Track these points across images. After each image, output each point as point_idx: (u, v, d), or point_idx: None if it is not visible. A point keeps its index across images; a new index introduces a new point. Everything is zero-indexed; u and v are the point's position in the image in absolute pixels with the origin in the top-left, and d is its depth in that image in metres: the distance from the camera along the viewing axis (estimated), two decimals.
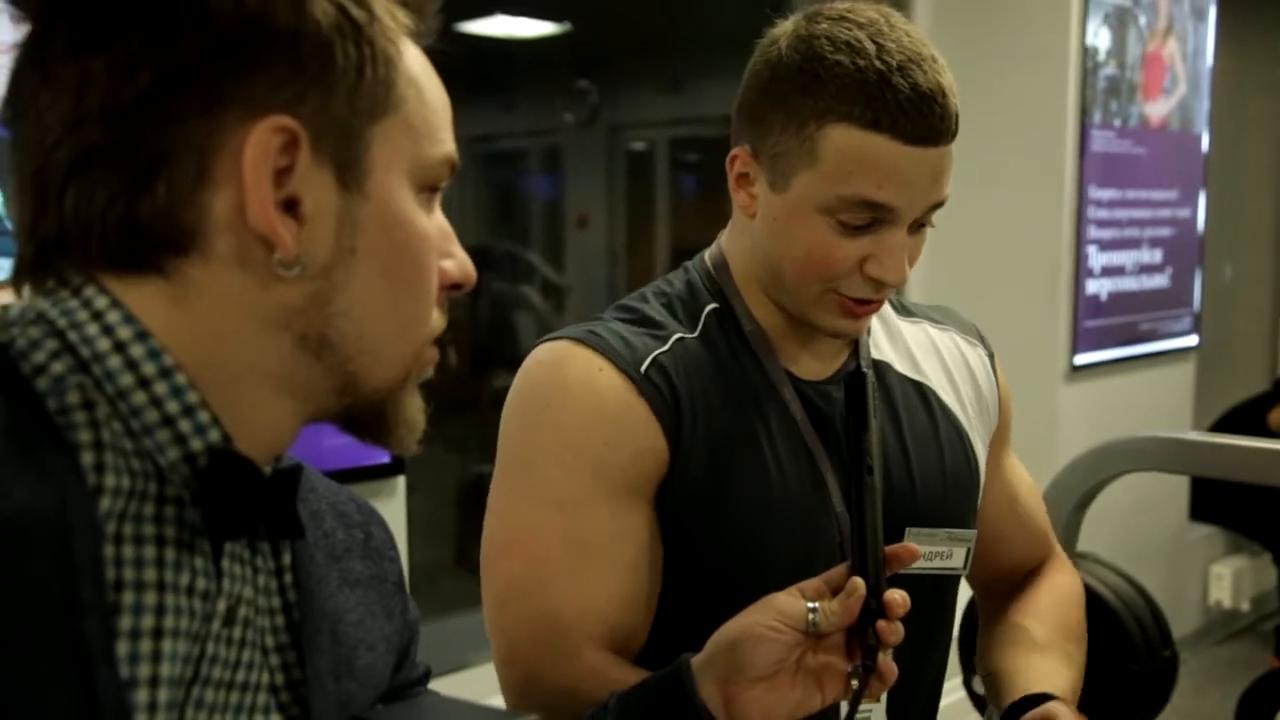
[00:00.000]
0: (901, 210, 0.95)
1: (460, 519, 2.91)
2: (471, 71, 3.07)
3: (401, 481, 2.11)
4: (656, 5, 3.41)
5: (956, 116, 0.96)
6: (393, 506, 2.09)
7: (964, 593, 1.20)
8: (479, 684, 2.33)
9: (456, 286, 0.68)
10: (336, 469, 1.84)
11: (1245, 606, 4.44)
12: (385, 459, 2.04)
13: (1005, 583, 1.24)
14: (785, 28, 0.99)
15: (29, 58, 0.60)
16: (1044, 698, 1.05)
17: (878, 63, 0.92)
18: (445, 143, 0.66)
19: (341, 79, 0.60)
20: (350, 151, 0.61)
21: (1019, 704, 1.06)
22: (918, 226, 0.99)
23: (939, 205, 0.99)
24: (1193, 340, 4.01)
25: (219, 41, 0.58)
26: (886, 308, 1.14)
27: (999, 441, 1.20)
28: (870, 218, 0.95)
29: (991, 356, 1.19)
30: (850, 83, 0.92)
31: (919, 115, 0.92)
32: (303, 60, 0.59)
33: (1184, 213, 3.89)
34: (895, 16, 0.97)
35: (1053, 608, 1.20)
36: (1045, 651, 1.13)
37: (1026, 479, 1.26)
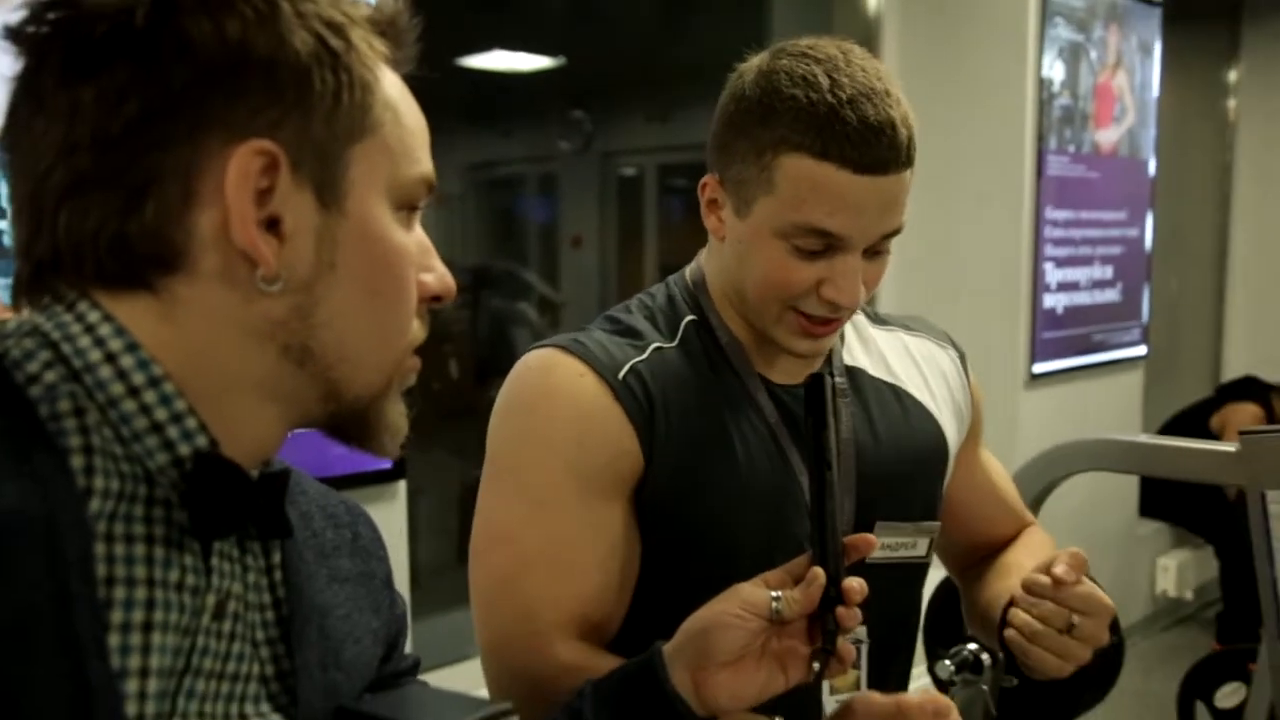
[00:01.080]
0: (852, 238, 0.94)
1: (462, 519, 2.90)
2: (472, 103, 3.07)
3: (403, 486, 2.09)
4: (646, 39, 3.41)
5: (907, 147, 0.93)
6: (394, 510, 2.06)
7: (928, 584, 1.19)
8: (481, 674, 2.32)
9: (436, 298, 0.67)
10: (340, 474, 1.82)
11: (1189, 596, 4.45)
12: (387, 465, 2.02)
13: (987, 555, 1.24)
14: (752, 63, 0.99)
15: (24, 88, 0.59)
16: None
17: (829, 96, 0.91)
18: (422, 163, 0.65)
19: (319, 104, 0.59)
20: (329, 172, 0.60)
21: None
22: (874, 253, 0.97)
23: (894, 233, 0.96)
24: (1141, 350, 4.03)
25: (201, 71, 0.57)
26: (860, 318, 1.14)
27: (972, 438, 1.19)
28: (824, 244, 0.94)
29: (963, 358, 1.18)
30: (803, 114, 0.91)
31: (866, 146, 0.90)
32: (281, 87, 0.58)
33: (1133, 232, 3.91)
34: (855, 52, 0.96)
35: (1038, 549, 1.20)
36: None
37: (998, 466, 1.26)
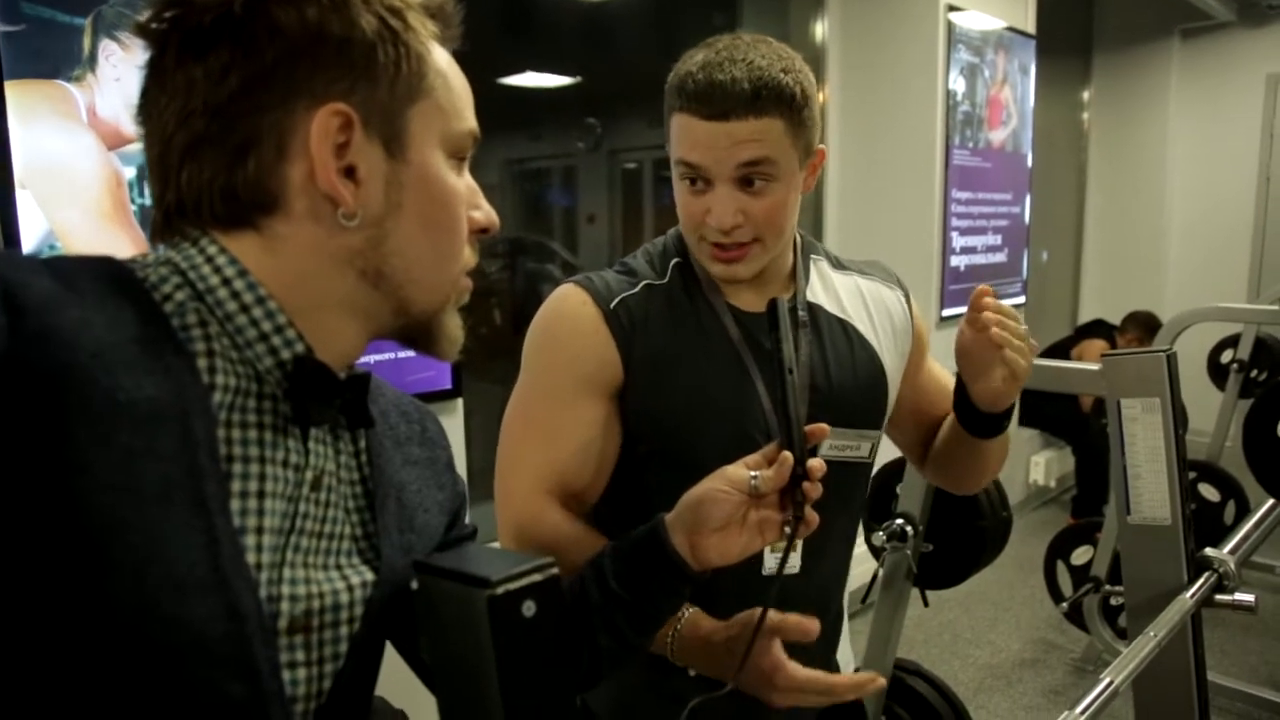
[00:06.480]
0: (710, 168, 0.91)
1: None
2: (510, 113, 3.01)
3: (460, 402, 2.05)
4: (644, 62, 3.34)
5: (753, 98, 0.87)
6: (454, 421, 2.03)
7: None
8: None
9: (484, 230, 0.62)
10: (414, 392, 1.79)
11: (1053, 484, 4.48)
12: (448, 386, 1.99)
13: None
14: None
15: (150, 72, 0.55)
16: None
17: (695, 66, 0.89)
18: (468, 120, 0.60)
19: (383, 73, 0.55)
20: (393, 128, 0.56)
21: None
22: (747, 185, 0.92)
23: (754, 164, 0.90)
24: (1021, 299, 4.00)
25: (288, 49, 0.53)
26: (824, 263, 1.08)
27: (919, 353, 1.14)
28: (694, 174, 0.92)
29: (907, 296, 1.13)
30: (679, 81, 0.91)
31: (708, 100, 0.88)
32: (352, 60, 0.54)
33: (1015, 210, 3.86)
34: (743, 40, 0.91)
35: None
36: None
37: (942, 369, 1.20)
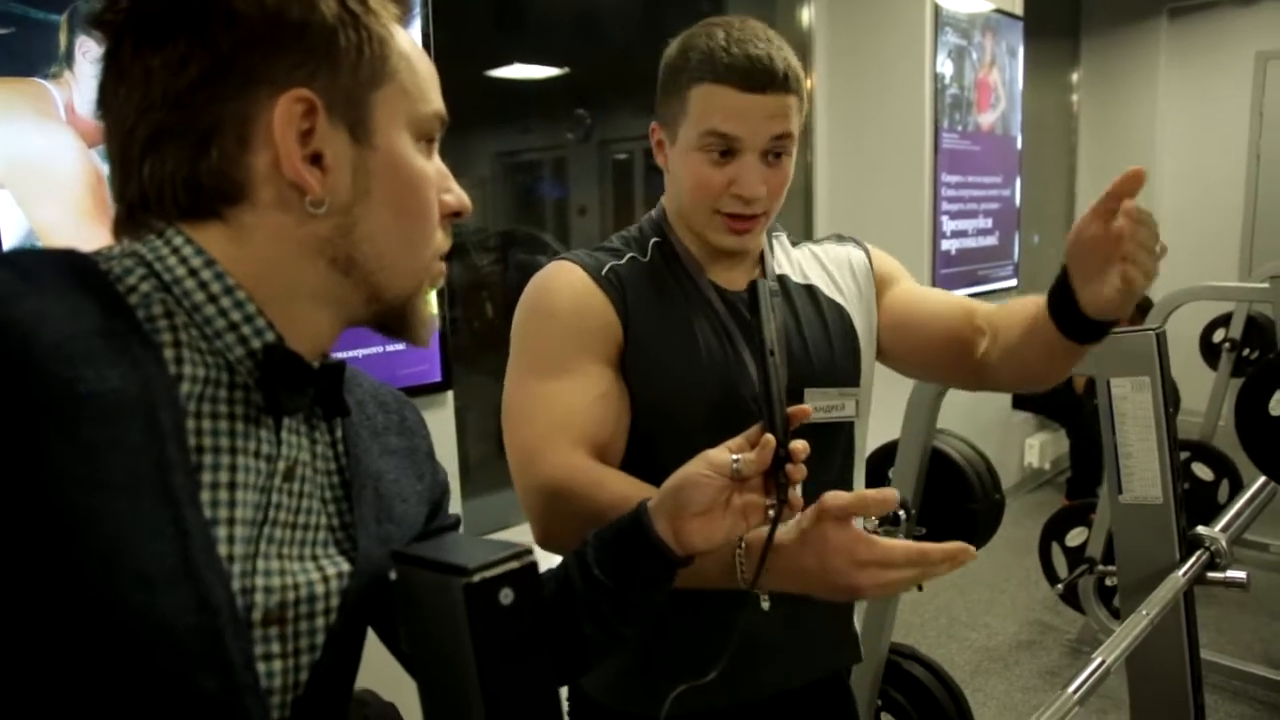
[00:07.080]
0: (744, 139, 0.93)
1: (498, 424, 2.85)
2: (499, 105, 3.00)
3: (450, 395, 2.04)
4: (632, 52, 3.32)
5: (784, 77, 0.93)
6: (444, 414, 2.02)
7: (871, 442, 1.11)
8: (516, 539, 2.29)
9: (456, 214, 0.62)
10: (403, 386, 1.78)
11: (1047, 466, 4.48)
12: (439, 378, 1.98)
13: (974, 342, 1.02)
14: (677, 37, 0.99)
15: (108, 65, 0.54)
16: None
17: (722, 42, 0.93)
18: (434, 102, 0.60)
19: (345, 58, 0.54)
20: (358, 113, 0.55)
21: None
22: (773, 157, 0.96)
23: (782, 138, 0.95)
24: (1013, 283, 4.00)
25: (246, 35, 0.52)
26: (785, 241, 1.12)
27: (891, 283, 1.10)
28: (725, 145, 0.94)
29: (865, 250, 1.12)
30: (705, 56, 0.93)
31: (748, 72, 0.92)
32: (313, 45, 0.53)
33: (1006, 193, 3.86)
34: (750, 20, 0.96)
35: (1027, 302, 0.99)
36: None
37: (947, 293, 1.10)
